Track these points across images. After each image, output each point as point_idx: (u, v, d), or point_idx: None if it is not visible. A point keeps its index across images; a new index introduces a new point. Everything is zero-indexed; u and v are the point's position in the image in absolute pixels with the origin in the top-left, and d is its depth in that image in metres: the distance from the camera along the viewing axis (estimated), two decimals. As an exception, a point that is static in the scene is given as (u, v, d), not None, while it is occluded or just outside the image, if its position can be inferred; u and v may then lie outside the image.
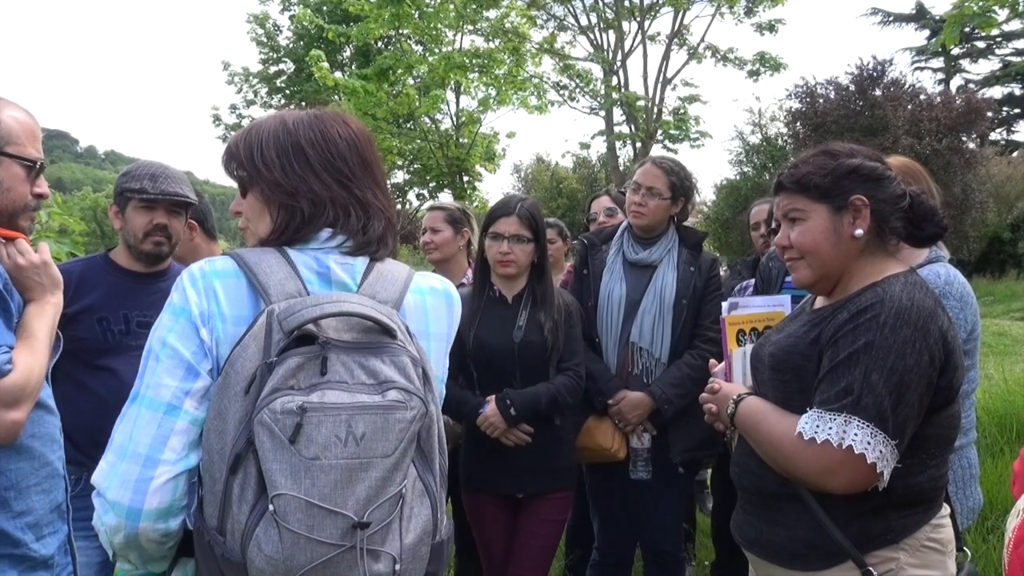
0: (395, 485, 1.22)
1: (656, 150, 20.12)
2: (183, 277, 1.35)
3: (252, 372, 1.23)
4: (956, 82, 31.61)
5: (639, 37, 21.39)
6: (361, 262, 1.41)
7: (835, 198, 1.79)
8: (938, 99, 22.46)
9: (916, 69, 32.60)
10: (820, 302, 1.92)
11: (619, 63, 21.33)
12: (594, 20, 21.70)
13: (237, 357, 1.25)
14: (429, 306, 1.46)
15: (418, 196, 25.62)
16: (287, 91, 26.66)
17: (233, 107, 26.92)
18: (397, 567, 1.23)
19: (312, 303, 1.27)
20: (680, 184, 3.14)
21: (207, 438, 1.26)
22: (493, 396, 2.83)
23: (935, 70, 32.98)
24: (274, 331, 1.25)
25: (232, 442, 1.21)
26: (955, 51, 29.81)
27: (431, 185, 22.77)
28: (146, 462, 1.25)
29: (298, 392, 1.20)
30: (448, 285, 1.54)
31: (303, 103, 25.01)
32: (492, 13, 18.05)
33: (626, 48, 21.50)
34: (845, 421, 1.62)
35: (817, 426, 1.65)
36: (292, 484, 1.16)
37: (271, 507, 1.17)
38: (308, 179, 1.40)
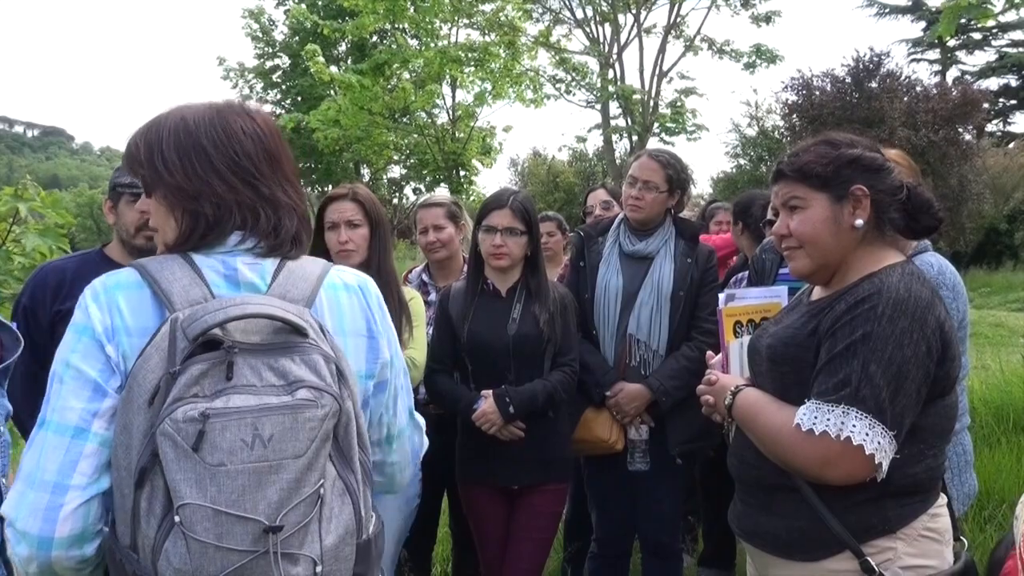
0: (310, 485, 1.19)
1: (652, 143, 20.12)
2: (85, 293, 1.31)
3: (156, 383, 1.18)
4: (952, 74, 31.61)
5: (635, 30, 21.40)
6: (271, 262, 1.36)
7: (836, 187, 1.78)
8: (934, 91, 22.44)
9: (912, 61, 32.57)
10: (817, 293, 1.91)
11: (615, 56, 21.32)
12: (590, 13, 21.68)
13: (139, 369, 1.21)
14: (343, 302, 1.41)
15: (415, 191, 25.62)
16: (283, 86, 26.60)
17: (229, 103, 26.82)
18: (318, 569, 1.19)
19: (216, 307, 1.23)
20: (677, 177, 3.14)
21: (115, 455, 1.22)
22: (490, 392, 2.82)
23: (931, 62, 32.94)
24: (178, 339, 1.20)
25: (137, 456, 1.18)
26: (951, 43, 29.82)
27: (427, 180, 22.74)
28: (55, 489, 1.21)
29: (202, 399, 1.16)
30: (364, 280, 1.47)
31: (299, 97, 24.96)
32: (487, 6, 18.02)
33: (622, 41, 21.51)
34: (843, 412, 1.62)
35: (815, 417, 1.65)
36: (197, 493, 1.13)
37: (177, 518, 1.13)
38: (212, 181, 1.33)
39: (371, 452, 1.41)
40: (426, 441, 1.72)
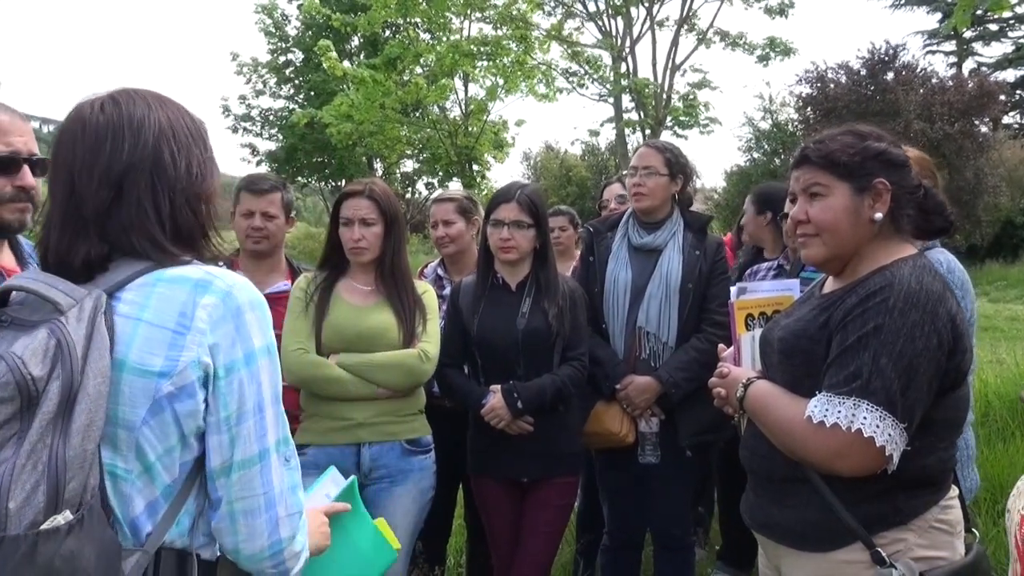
0: None
1: (665, 136, 20.06)
2: None
3: None
4: (969, 65, 31.30)
5: (648, 23, 21.30)
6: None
7: (859, 178, 1.79)
8: (950, 83, 22.27)
9: (928, 52, 32.30)
10: (829, 285, 1.92)
11: (628, 49, 21.24)
12: (602, 6, 21.59)
13: None
14: (156, 292, 1.28)
15: (427, 185, 25.67)
16: (296, 81, 26.69)
17: (242, 97, 26.95)
18: None
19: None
20: (676, 160, 3.17)
21: None
22: (499, 387, 2.84)
23: (947, 53, 32.65)
24: None
25: None
26: (968, 34, 29.53)
27: (440, 174, 22.78)
28: None
29: None
30: (208, 277, 1.32)
31: (312, 92, 25.04)
32: (499, 0, 18.00)
33: (635, 34, 21.41)
34: (854, 405, 1.64)
35: (826, 410, 1.66)
36: None
37: None
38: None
39: (215, 485, 1.32)
40: (302, 541, 1.43)
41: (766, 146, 25.98)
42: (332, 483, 1.90)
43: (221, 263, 1.42)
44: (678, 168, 3.18)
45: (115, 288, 1.27)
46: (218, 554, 1.38)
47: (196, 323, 1.27)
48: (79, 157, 1.32)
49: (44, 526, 1.10)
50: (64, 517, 1.12)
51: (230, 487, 1.32)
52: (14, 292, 1.24)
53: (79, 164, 1.31)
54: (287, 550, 1.38)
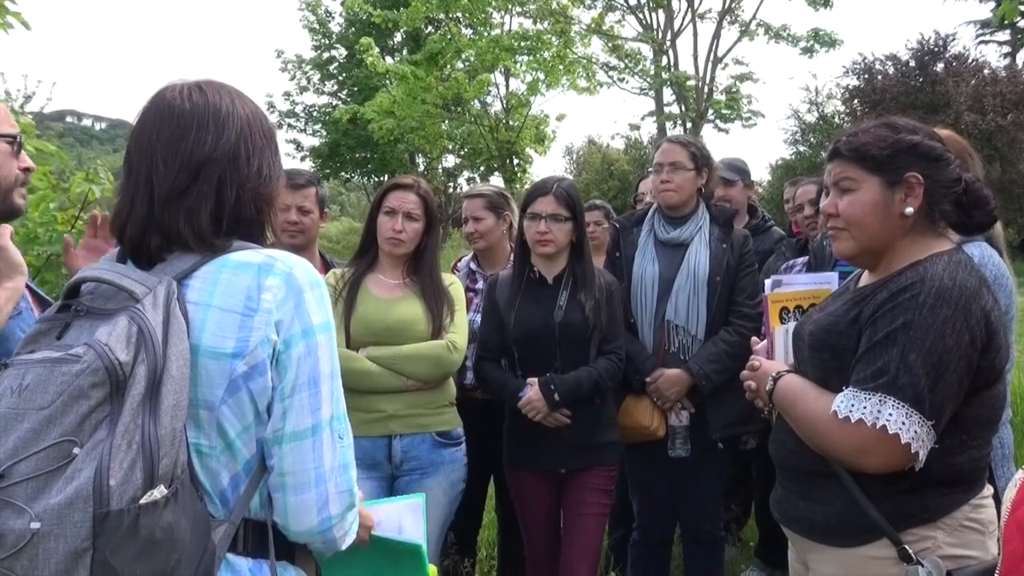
0: (48, 439, 1.14)
1: (707, 130, 19.86)
2: None
3: None
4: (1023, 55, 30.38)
5: (689, 15, 21.08)
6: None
7: (890, 172, 1.76)
8: (1003, 73, 21.67)
9: (981, 43, 31.40)
10: (864, 280, 1.90)
11: (669, 42, 21.04)
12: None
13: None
14: (222, 278, 1.34)
15: (468, 180, 25.74)
16: (339, 77, 26.96)
17: (287, 94, 27.35)
18: (34, 526, 1.11)
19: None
20: (700, 154, 3.19)
21: None
22: (535, 379, 2.85)
23: (1001, 43, 31.74)
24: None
25: None
26: (1022, 23, 28.69)
27: (481, 169, 22.83)
28: None
29: (30, 355, 1.22)
30: (269, 260, 1.36)
31: (355, 88, 25.27)
32: (540, -6, 17.94)
33: (676, 27, 21.19)
34: (880, 401, 1.62)
35: (852, 405, 1.65)
36: None
37: None
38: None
39: (269, 453, 1.36)
40: (354, 510, 1.46)
41: (812, 139, 25.52)
42: (408, 509, 1.89)
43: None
44: (703, 161, 3.18)
45: (182, 276, 1.33)
46: None
47: (262, 304, 1.32)
48: (164, 139, 1.36)
49: (143, 500, 1.15)
50: (159, 492, 1.17)
51: (282, 458, 1.36)
52: (84, 283, 1.30)
53: (163, 145, 1.36)
54: (337, 527, 1.42)
